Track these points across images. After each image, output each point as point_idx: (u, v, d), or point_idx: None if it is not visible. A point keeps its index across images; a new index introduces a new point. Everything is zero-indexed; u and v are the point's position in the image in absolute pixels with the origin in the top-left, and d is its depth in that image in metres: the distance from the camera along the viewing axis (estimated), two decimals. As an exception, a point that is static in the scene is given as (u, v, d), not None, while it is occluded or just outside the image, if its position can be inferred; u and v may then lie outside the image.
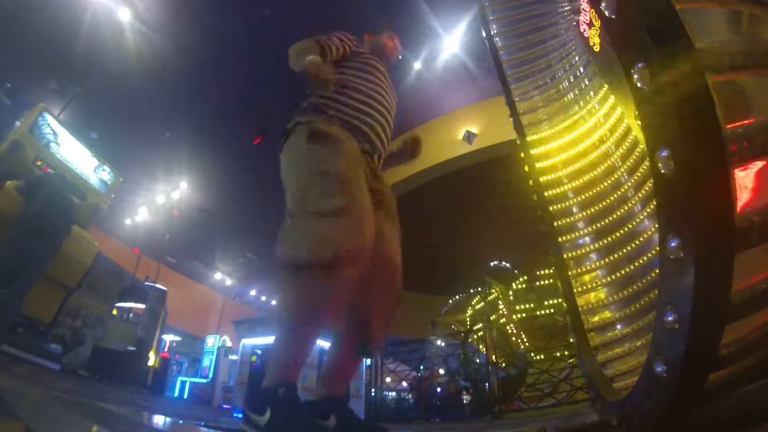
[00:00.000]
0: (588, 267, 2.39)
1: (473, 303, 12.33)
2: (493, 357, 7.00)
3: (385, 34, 2.11)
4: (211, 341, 12.73)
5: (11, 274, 3.27)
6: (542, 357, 7.92)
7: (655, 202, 0.91)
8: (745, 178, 0.87)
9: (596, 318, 2.20)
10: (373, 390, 7.44)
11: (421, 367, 8.68)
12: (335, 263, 1.30)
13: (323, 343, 5.92)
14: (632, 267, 2.05)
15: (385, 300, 1.61)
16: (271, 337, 6.14)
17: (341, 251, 1.31)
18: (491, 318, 10.45)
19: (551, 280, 9.56)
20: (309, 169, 1.51)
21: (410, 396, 8.60)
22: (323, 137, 1.54)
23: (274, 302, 16.65)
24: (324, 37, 1.75)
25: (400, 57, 2.16)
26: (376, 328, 1.57)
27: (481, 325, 8.61)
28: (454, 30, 8.11)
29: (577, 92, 2.87)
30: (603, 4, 0.88)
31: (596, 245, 2.37)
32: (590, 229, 2.44)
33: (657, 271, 0.95)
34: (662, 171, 0.80)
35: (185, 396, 11.67)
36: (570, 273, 2.40)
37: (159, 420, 2.60)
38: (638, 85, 0.82)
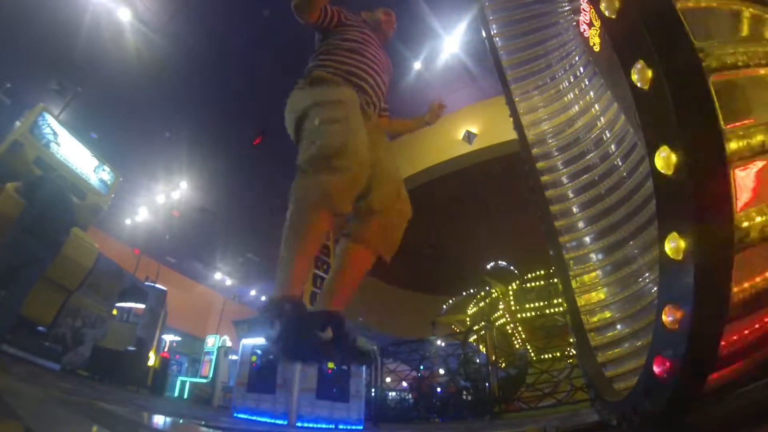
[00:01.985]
0: (588, 267, 2.38)
1: (473, 303, 12.34)
2: (493, 357, 7.00)
3: (380, 10, 2.21)
4: (211, 341, 12.73)
5: (11, 275, 3.27)
6: (542, 357, 7.93)
7: (655, 202, 0.91)
8: (745, 178, 0.87)
9: (596, 318, 2.20)
10: (373, 390, 7.44)
11: (421, 367, 8.68)
12: (352, 153, 1.43)
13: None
14: (632, 267, 2.05)
15: (394, 215, 1.68)
16: (271, 337, 6.06)
17: (344, 146, 1.44)
18: (491, 318, 10.46)
19: (551, 280, 9.57)
20: (312, 102, 1.64)
21: (410, 396, 8.59)
22: (322, 82, 1.70)
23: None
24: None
25: (394, 30, 2.25)
26: (386, 238, 1.64)
27: (481, 325, 8.61)
28: (454, 30, 8.11)
29: (577, 92, 2.87)
30: (603, 4, 0.88)
31: (596, 245, 2.37)
32: (590, 229, 2.44)
33: (657, 271, 0.95)
34: (662, 171, 0.81)
35: (185, 396, 11.67)
36: (570, 273, 2.40)
37: (159, 420, 2.60)
38: (638, 85, 0.82)
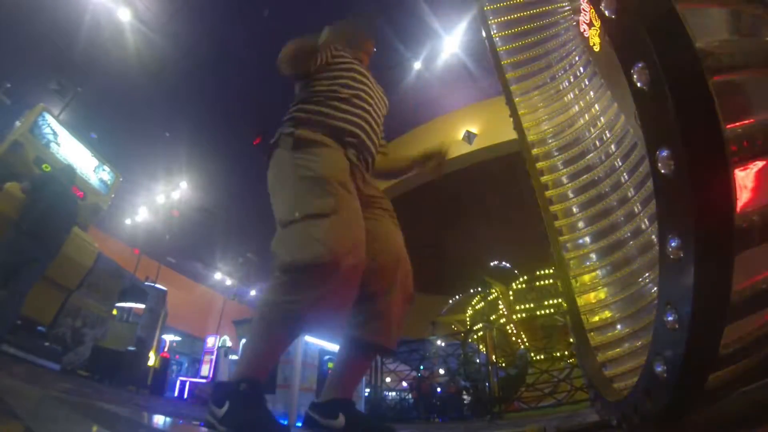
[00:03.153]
0: (588, 267, 2.38)
1: (473, 303, 12.34)
2: (493, 357, 7.00)
3: (367, 42, 2.10)
4: (211, 341, 12.73)
5: (10, 275, 3.26)
6: (542, 357, 7.93)
7: (655, 202, 0.91)
8: (745, 178, 0.87)
9: (596, 318, 2.20)
10: (373, 390, 7.44)
11: (421, 367, 8.68)
12: (328, 263, 1.29)
13: (323, 343, 5.93)
14: (632, 267, 2.05)
15: (397, 297, 1.59)
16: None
17: (333, 251, 1.30)
18: (491, 318, 10.46)
19: (551, 280, 9.57)
20: (295, 177, 1.50)
21: (410, 396, 8.60)
22: (307, 145, 1.55)
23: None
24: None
25: (374, 51, 2.13)
26: (390, 326, 1.56)
27: (481, 325, 8.61)
28: (454, 30, 8.11)
29: (577, 92, 2.86)
30: (603, 4, 0.88)
31: (596, 245, 2.37)
32: (590, 229, 2.44)
33: (657, 271, 0.95)
34: (662, 171, 0.80)
35: (185, 396, 11.67)
36: (570, 273, 2.40)
37: (159, 420, 2.60)
38: (638, 85, 0.81)
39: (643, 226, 2.05)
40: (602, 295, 2.24)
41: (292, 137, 1.58)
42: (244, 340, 1.52)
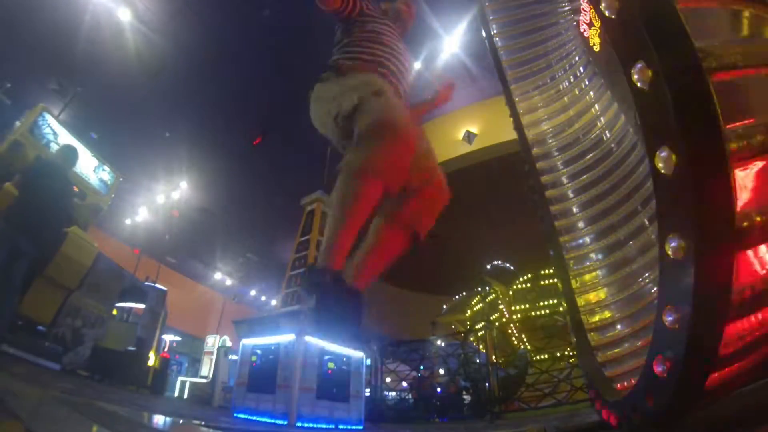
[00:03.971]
0: (588, 267, 2.38)
1: (473, 303, 12.35)
2: (493, 357, 7.00)
3: (400, 1, 2.20)
4: (211, 341, 12.73)
5: (1, 272, 3.18)
6: (543, 357, 7.93)
7: (655, 202, 0.91)
8: (745, 178, 0.87)
9: (596, 318, 2.20)
10: (374, 390, 7.44)
11: (421, 367, 8.68)
12: (387, 127, 1.40)
13: (323, 343, 5.93)
14: (632, 267, 2.05)
15: (431, 192, 1.67)
16: (271, 337, 6.07)
17: (390, 119, 1.42)
18: (491, 318, 10.46)
19: (551, 280, 9.57)
20: (343, 89, 1.60)
21: (410, 396, 8.60)
22: (349, 70, 1.69)
23: (273, 302, 16.63)
24: None
25: (414, 20, 2.24)
26: (423, 219, 1.63)
27: (481, 325, 8.61)
28: (454, 30, 8.12)
29: (576, 92, 2.86)
30: (603, 4, 0.88)
31: (596, 245, 2.37)
32: (590, 229, 2.44)
33: (657, 271, 0.95)
34: (662, 171, 0.80)
35: (185, 396, 11.67)
36: (570, 273, 2.40)
37: (159, 420, 2.60)
38: (638, 84, 0.81)
39: (643, 226, 2.05)
40: (602, 295, 2.24)
41: (335, 68, 1.72)
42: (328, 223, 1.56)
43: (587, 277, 2.37)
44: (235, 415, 5.86)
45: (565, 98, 2.92)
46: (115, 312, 8.51)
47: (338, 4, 1.82)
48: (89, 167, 6.68)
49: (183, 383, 12.26)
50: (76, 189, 4.21)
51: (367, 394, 7.25)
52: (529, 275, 10.69)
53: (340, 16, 1.89)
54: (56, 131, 6.18)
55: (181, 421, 2.86)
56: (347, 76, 1.67)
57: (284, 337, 5.82)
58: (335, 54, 1.87)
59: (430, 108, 2.26)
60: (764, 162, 0.88)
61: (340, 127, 1.57)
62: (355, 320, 1.45)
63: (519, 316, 10.25)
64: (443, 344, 9.34)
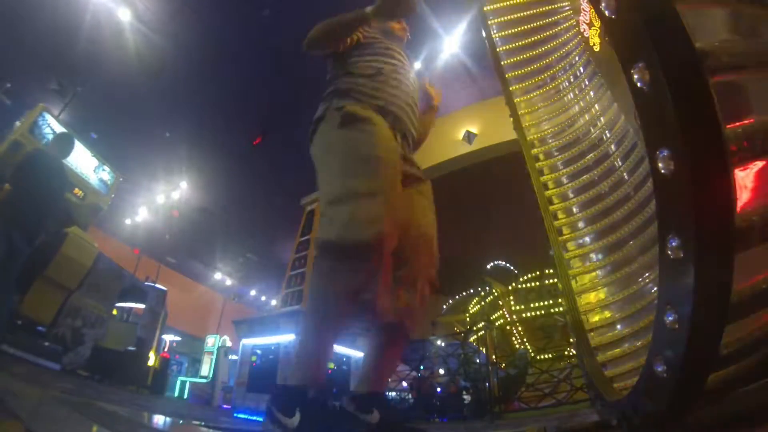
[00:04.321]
0: (588, 267, 2.38)
1: (473, 303, 12.35)
2: (493, 357, 7.00)
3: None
4: (211, 341, 12.74)
5: None
6: (542, 357, 7.93)
7: (655, 202, 0.91)
8: (745, 178, 0.87)
9: (596, 318, 2.20)
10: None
11: (421, 367, 8.68)
12: (378, 243, 1.28)
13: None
14: (632, 267, 2.05)
15: (424, 275, 1.60)
16: (271, 337, 6.10)
17: (383, 231, 1.30)
18: (491, 318, 10.47)
19: (551, 280, 9.57)
20: (345, 154, 1.48)
21: (410, 396, 8.60)
22: (357, 121, 1.52)
23: (273, 302, 16.63)
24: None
25: (408, 34, 2.11)
26: (415, 312, 1.54)
27: (481, 325, 8.61)
28: (454, 30, 8.12)
29: (577, 92, 2.87)
30: (603, 4, 0.88)
31: (596, 245, 2.37)
32: (590, 228, 2.44)
33: (657, 271, 0.95)
34: (662, 171, 0.80)
35: (185, 396, 11.67)
36: (570, 273, 2.40)
37: (159, 420, 2.60)
38: (638, 85, 0.81)
39: (643, 226, 2.05)
40: (602, 295, 2.24)
41: (340, 113, 1.55)
42: (297, 339, 1.46)
43: (587, 277, 2.37)
44: (235, 415, 5.86)
45: (565, 98, 2.92)
46: (115, 312, 8.51)
47: (337, 48, 1.70)
48: (89, 167, 6.68)
49: (183, 383, 12.26)
50: (77, 191, 4.13)
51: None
52: (529, 275, 10.69)
53: (336, 54, 1.75)
54: (56, 131, 6.18)
55: (181, 421, 2.86)
56: (351, 129, 1.50)
57: (284, 337, 5.82)
58: (334, 85, 1.69)
59: (434, 116, 2.15)
60: (764, 162, 0.88)
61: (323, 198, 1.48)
62: (394, 421, 1.40)
63: (519, 316, 10.25)
64: (443, 344, 9.34)
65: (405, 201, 1.57)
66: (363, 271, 1.29)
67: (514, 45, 3.26)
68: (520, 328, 10.25)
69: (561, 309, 8.52)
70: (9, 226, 3.15)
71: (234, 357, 10.63)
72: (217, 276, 18.32)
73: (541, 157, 2.87)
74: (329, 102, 1.64)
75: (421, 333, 11.17)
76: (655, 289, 1.44)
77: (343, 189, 1.40)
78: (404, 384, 8.75)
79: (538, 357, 8.11)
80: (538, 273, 10.45)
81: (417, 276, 1.56)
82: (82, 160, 6.49)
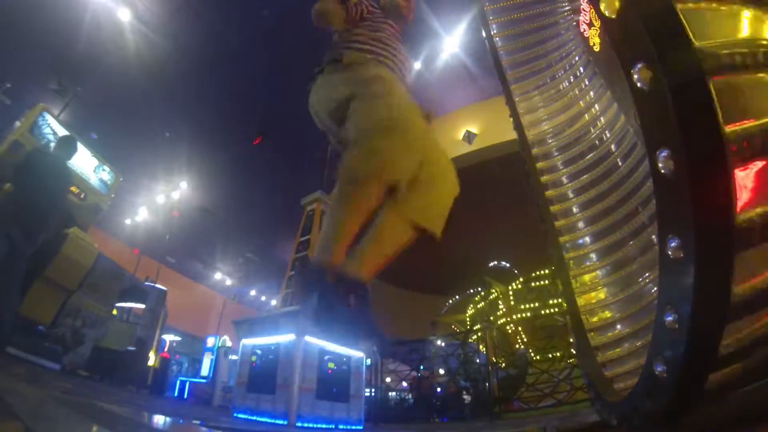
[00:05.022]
0: (588, 267, 2.38)
1: (473, 303, 12.35)
2: (493, 357, 7.00)
3: None
4: (211, 341, 12.74)
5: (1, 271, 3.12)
6: (542, 357, 7.93)
7: (655, 202, 0.91)
8: (745, 178, 0.87)
9: (596, 318, 2.20)
10: (373, 390, 7.44)
11: (421, 367, 8.68)
12: (393, 122, 1.34)
13: (323, 343, 5.93)
14: (632, 267, 2.05)
15: (440, 186, 1.58)
16: (271, 337, 6.05)
17: (396, 115, 1.36)
18: (491, 318, 10.46)
19: (551, 280, 9.57)
20: (351, 83, 1.54)
21: (410, 396, 8.60)
22: (356, 63, 1.60)
23: (273, 302, 16.64)
24: None
25: (414, 13, 2.16)
26: (432, 214, 1.54)
27: (481, 325, 8.61)
28: (454, 30, 8.12)
29: (577, 92, 2.87)
30: (603, 4, 0.88)
31: (596, 245, 2.37)
32: (590, 229, 2.44)
33: (657, 271, 0.95)
34: (662, 171, 0.80)
35: (185, 396, 11.67)
36: (570, 273, 2.40)
37: (159, 420, 2.60)
38: (638, 85, 0.81)
39: (643, 226, 2.05)
40: (602, 295, 2.24)
41: (341, 59, 1.62)
42: (325, 222, 1.47)
43: (587, 277, 2.37)
44: (235, 415, 5.86)
45: (565, 98, 2.92)
46: (115, 312, 8.51)
47: (342, 21, 1.78)
48: (89, 167, 6.68)
49: (183, 383, 12.26)
50: (74, 190, 4.09)
51: (369, 394, 7.24)
52: (530, 275, 10.69)
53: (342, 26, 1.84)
54: (56, 131, 6.18)
55: (181, 421, 2.86)
56: (353, 68, 1.60)
57: (284, 337, 5.82)
58: (336, 48, 1.79)
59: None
60: (764, 162, 0.88)
61: (342, 121, 1.51)
62: (361, 316, 1.38)
63: (519, 316, 10.25)
64: (443, 344, 9.34)
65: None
66: (393, 146, 1.33)
67: (514, 45, 3.26)
68: (520, 328, 10.25)
69: (561, 309, 8.52)
70: (11, 226, 3.14)
71: (234, 357, 10.63)
72: (217, 276, 18.33)
73: (541, 157, 2.87)
74: (326, 59, 1.71)
75: (421, 333, 11.17)
76: (655, 289, 1.44)
77: (359, 101, 1.46)
78: (404, 384, 8.75)
79: (538, 357, 8.11)
80: (538, 273, 10.44)
81: (433, 174, 1.54)
82: (82, 160, 6.49)
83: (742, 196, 0.84)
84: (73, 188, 5.89)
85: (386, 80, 1.54)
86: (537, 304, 10.02)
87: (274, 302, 16.09)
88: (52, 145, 6.00)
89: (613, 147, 2.45)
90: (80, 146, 6.51)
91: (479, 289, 12.00)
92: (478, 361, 7.85)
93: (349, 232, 1.39)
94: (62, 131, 6.26)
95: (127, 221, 14.67)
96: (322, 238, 1.44)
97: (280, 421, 5.20)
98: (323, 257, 1.37)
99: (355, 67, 1.61)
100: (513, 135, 3.16)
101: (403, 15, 2.08)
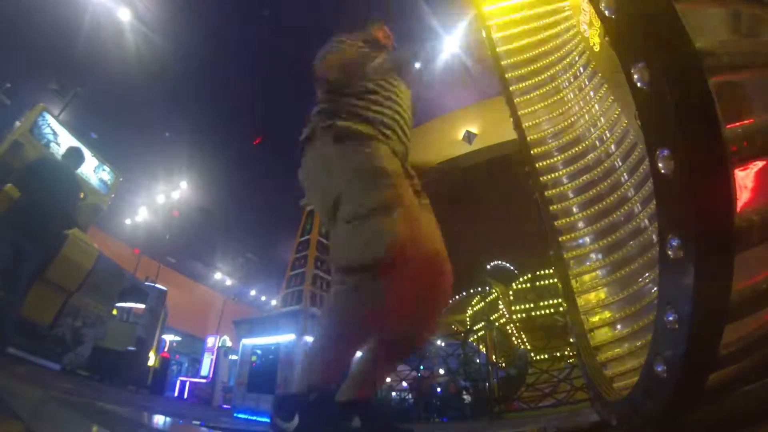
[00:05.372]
0: (588, 267, 2.38)
1: (473, 303, 12.34)
2: (493, 357, 7.00)
3: (373, 26, 2.04)
4: (211, 341, 12.74)
5: (5, 275, 3.18)
6: (542, 357, 7.93)
7: (655, 202, 0.91)
8: (745, 178, 0.87)
9: (596, 318, 2.20)
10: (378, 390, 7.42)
11: (421, 367, 8.67)
12: (402, 258, 1.24)
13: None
14: (632, 267, 2.05)
15: (435, 294, 1.53)
16: (271, 337, 6.09)
17: (403, 244, 1.25)
18: (491, 318, 10.46)
19: (551, 280, 9.57)
20: (348, 170, 1.42)
21: (410, 396, 8.60)
22: (352, 136, 1.45)
23: (273, 302, 16.64)
24: (345, 45, 1.70)
25: (393, 42, 2.07)
26: (426, 324, 1.52)
27: (481, 325, 8.61)
28: (454, 30, 8.13)
29: (577, 92, 2.87)
30: (603, 4, 0.87)
31: (596, 245, 2.37)
32: (590, 229, 2.44)
33: (657, 271, 0.95)
34: (662, 171, 0.80)
35: (185, 396, 11.67)
36: (570, 273, 2.40)
37: (159, 420, 2.60)
38: (638, 85, 0.81)
39: (643, 226, 2.06)
40: (602, 295, 2.24)
41: (331, 129, 1.48)
42: (310, 342, 1.42)
43: (587, 277, 2.37)
44: (235, 415, 5.86)
45: (565, 98, 2.92)
46: (115, 312, 8.51)
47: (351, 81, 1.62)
48: (89, 167, 6.68)
49: (183, 383, 12.26)
50: (81, 195, 4.12)
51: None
52: (530, 275, 10.69)
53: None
54: (56, 131, 6.18)
55: (181, 421, 2.86)
56: (348, 144, 1.44)
57: (284, 337, 5.82)
58: (323, 104, 1.63)
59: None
60: (764, 162, 0.88)
61: (338, 217, 1.39)
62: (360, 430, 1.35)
63: (519, 316, 10.25)
64: (443, 344, 9.34)
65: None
66: (391, 287, 1.26)
67: (514, 45, 3.26)
68: (520, 328, 10.25)
69: (561, 309, 8.52)
70: (18, 234, 3.19)
71: (234, 357, 10.62)
72: (217, 276, 18.34)
73: (541, 157, 2.87)
74: (315, 123, 1.58)
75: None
76: (655, 289, 1.44)
77: (357, 207, 1.34)
78: (404, 384, 8.75)
79: (538, 357, 8.11)
80: (538, 273, 10.44)
81: (430, 294, 1.50)
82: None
83: (742, 196, 0.84)
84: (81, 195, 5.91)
85: (389, 176, 1.37)
86: (537, 304, 10.02)
87: (274, 302, 16.09)
88: (52, 145, 6.02)
89: (613, 147, 2.45)
90: (80, 146, 6.52)
91: (479, 289, 11.99)
92: (478, 361, 7.85)
93: (339, 365, 1.37)
94: (62, 131, 6.27)
95: (127, 221, 14.67)
96: (315, 363, 1.37)
97: None
98: (316, 379, 1.31)
99: (348, 143, 1.44)
100: (513, 135, 3.16)
101: (383, 46, 2.00)
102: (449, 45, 8.42)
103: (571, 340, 2.81)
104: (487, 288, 11.55)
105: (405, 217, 1.32)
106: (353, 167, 1.41)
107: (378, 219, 1.29)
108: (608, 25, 0.90)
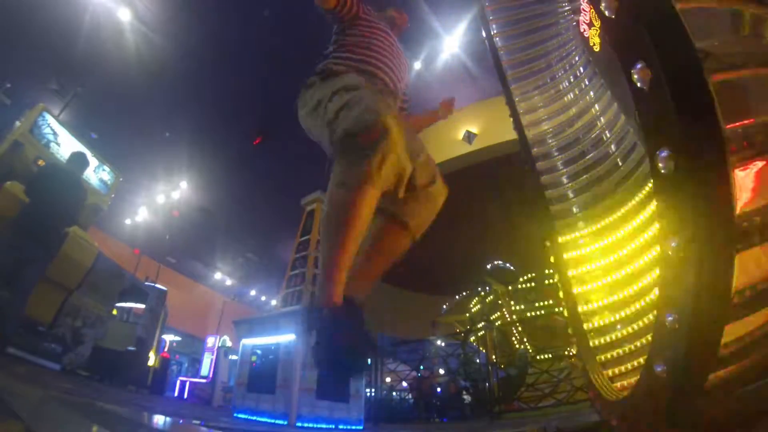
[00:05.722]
0: (588, 267, 2.38)
1: (473, 303, 12.34)
2: (493, 357, 7.00)
3: (391, 9, 2.18)
4: (211, 341, 12.74)
5: (10, 276, 3.22)
6: (542, 357, 7.93)
7: (655, 202, 0.91)
8: (745, 178, 0.87)
9: (596, 318, 2.20)
10: (373, 390, 7.44)
11: (421, 367, 8.68)
12: (369, 129, 1.30)
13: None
14: (632, 267, 2.05)
15: (432, 193, 1.60)
16: (271, 337, 6.06)
17: (371, 121, 1.31)
18: (491, 318, 10.46)
19: (552, 280, 9.57)
20: (326, 93, 1.53)
21: (410, 396, 8.60)
22: (333, 75, 1.62)
23: (273, 302, 16.65)
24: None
25: (407, 26, 2.21)
26: (422, 220, 1.57)
27: (481, 325, 8.62)
28: (454, 30, 8.12)
29: (577, 92, 2.87)
30: (603, 4, 0.88)
31: (596, 245, 2.37)
32: (590, 229, 2.44)
33: (657, 271, 0.95)
34: (662, 171, 0.80)
35: (185, 396, 11.67)
36: (570, 273, 2.40)
37: (159, 420, 2.60)
38: (638, 85, 0.81)
39: (643, 226, 2.06)
40: (602, 295, 2.24)
41: (320, 73, 1.66)
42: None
43: (587, 277, 2.37)
44: (235, 415, 5.86)
45: (565, 98, 2.92)
46: (115, 312, 8.51)
47: (333, 4, 1.79)
48: (89, 167, 6.68)
49: (183, 383, 12.26)
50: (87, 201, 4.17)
51: (368, 394, 7.24)
52: (530, 275, 10.68)
53: (336, 17, 1.86)
54: (56, 131, 6.19)
55: (181, 421, 2.87)
56: (331, 79, 1.61)
57: (284, 337, 5.82)
58: (324, 59, 1.82)
59: (432, 121, 2.24)
60: (764, 162, 0.88)
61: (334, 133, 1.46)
62: (358, 359, 1.33)
63: (519, 316, 10.25)
64: (443, 344, 9.35)
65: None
66: (377, 156, 1.28)
67: (514, 45, 3.26)
68: (520, 328, 10.24)
69: (561, 309, 8.51)
70: (25, 238, 3.24)
71: (234, 357, 10.62)
72: (217, 276, 18.33)
73: (541, 157, 2.87)
74: (315, 71, 1.74)
75: (421, 333, 11.17)
76: (655, 289, 1.44)
77: (333, 110, 1.45)
78: (404, 384, 8.75)
79: (538, 357, 8.11)
80: (538, 273, 10.43)
81: (425, 181, 1.57)
82: (82, 160, 6.50)
83: (742, 196, 0.84)
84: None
85: (358, 84, 1.52)
86: (537, 304, 10.02)
87: (274, 302, 16.09)
88: (52, 145, 6.02)
89: (613, 147, 2.45)
90: (80, 146, 6.52)
91: (479, 289, 11.99)
92: (478, 361, 7.86)
93: (345, 260, 1.33)
94: (62, 131, 6.27)
95: (127, 221, 14.66)
96: (320, 273, 1.37)
97: (280, 421, 5.20)
98: (322, 298, 1.31)
99: (332, 79, 1.61)
100: (513, 135, 3.16)
101: (397, 26, 2.13)
102: (449, 45, 8.41)
103: (571, 340, 2.81)
104: (487, 288, 11.56)
105: (384, 101, 1.45)
106: (335, 87, 1.53)
107: (358, 102, 1.40)
108: (608, 25, 0.90)
